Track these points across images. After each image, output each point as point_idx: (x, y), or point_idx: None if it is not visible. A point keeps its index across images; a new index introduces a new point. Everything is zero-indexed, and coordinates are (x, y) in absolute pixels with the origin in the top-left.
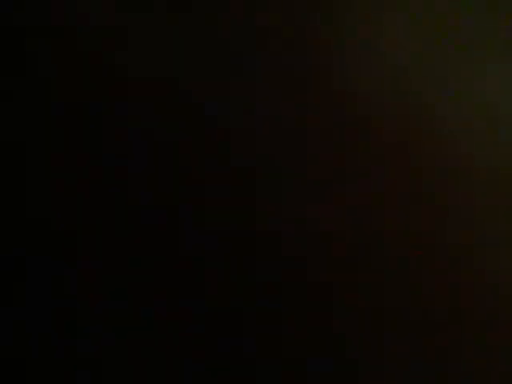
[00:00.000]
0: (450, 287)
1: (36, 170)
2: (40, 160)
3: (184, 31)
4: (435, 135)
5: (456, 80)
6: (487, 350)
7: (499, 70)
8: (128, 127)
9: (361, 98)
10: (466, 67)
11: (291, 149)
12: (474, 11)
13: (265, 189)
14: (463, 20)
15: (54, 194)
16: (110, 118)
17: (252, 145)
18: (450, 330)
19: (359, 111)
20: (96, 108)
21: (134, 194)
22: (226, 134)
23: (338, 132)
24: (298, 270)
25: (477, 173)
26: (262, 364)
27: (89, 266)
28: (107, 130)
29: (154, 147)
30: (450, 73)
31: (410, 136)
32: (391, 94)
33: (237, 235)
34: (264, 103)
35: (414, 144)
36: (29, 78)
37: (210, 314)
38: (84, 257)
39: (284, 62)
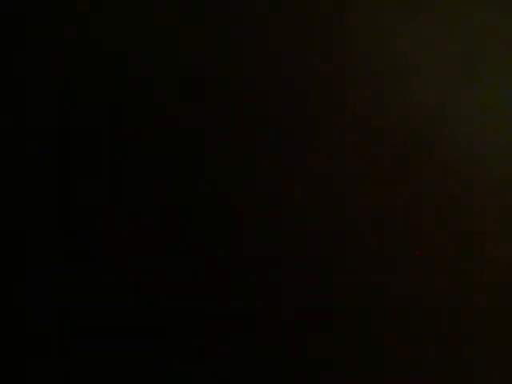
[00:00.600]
0: (450, 287)
1: (36, 170)
2: (40, 159)
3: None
4: (435, 135)
5: (456, 83)
6: (487, 350)
7: (499, 71)
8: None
9: (361, 98)
10: (466, 69)
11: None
12: (473, 15)
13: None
14: (463, 24)
15: (55, 193)
16: (110, 116)
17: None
18: (449, 329)
19: (359, 111)
20: (95, 108)
21: (134, 193)
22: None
23: (338, 132)
24: (297, 270)
25: (477, 172)
26: (262, 364)
27: (89, 266)
28: (108, 128)
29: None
30: (450, 75)
31: (409, 136)
32: (392, 95)
33: (238, 235)
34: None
35: (413, 144)
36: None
37: (213, 314)
38: (84, 257)
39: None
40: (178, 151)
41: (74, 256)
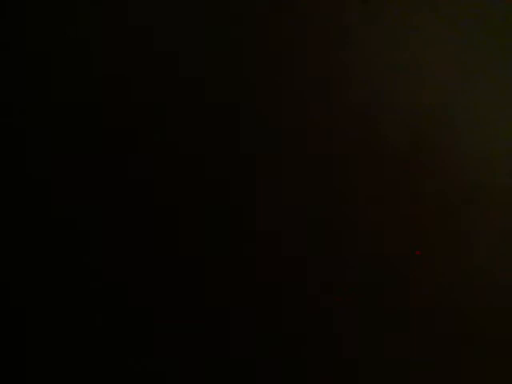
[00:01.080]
0: (450, 287)
1: (38, 169)
2: (42, 159)
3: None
4: (435, 136)
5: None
6: (487, 350)
7: (500, 72)
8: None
9: (360, 98)
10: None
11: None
12: (474, 16)
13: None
14: (464, 24)
15: (55, 196)
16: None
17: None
18: (449, 330)
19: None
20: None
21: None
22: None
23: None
24: (297, 271)
25: (478, 174)
26: (261, 364)
27: (89, 265)
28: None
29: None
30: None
31: (409, 137)
32: (391, 95)
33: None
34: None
35: (413, 145)
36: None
37: (210, 314)
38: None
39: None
40: (178, 150)
41: (71, 255)
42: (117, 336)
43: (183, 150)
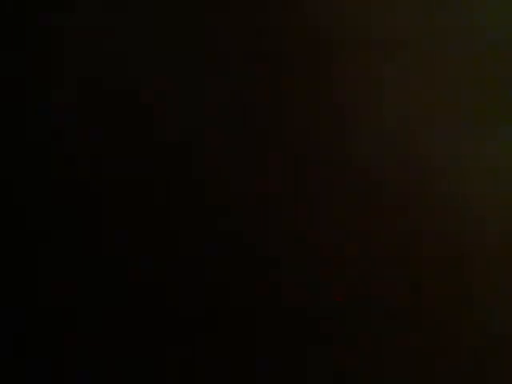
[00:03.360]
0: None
1: (36, 176)
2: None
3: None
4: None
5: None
6: (487, 350)
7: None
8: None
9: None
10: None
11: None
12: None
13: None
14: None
15: (53, 204)
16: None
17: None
18: (448, 330)
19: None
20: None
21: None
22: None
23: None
24: (298, 272)
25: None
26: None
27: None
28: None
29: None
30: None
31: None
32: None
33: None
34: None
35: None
36: None
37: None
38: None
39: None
40: (179, 149)
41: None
42: (119, 337)
43: (184, 150)
